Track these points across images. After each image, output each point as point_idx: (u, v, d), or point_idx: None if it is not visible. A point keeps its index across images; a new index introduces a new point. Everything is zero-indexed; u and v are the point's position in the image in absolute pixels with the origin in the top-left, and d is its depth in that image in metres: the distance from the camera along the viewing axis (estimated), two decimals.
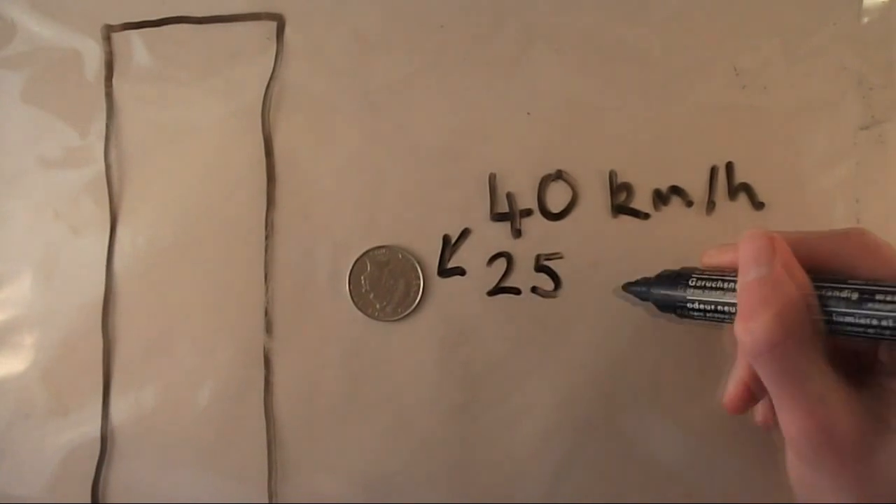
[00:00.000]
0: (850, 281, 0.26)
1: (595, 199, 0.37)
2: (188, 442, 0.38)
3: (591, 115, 0.38)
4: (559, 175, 0.38)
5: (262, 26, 0.39)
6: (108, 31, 0.39)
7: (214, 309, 0.38)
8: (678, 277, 0.33)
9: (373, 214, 0.38)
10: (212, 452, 0.38)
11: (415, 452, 0.38)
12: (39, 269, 0.39)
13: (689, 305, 0.32)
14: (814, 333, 0.25)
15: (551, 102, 0.38)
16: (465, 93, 0.38)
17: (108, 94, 0.39)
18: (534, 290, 0.37)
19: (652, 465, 0.37)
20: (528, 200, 0.38)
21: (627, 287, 0.36)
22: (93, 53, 0.39)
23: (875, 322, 0.25)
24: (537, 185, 0.38)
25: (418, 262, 0.38)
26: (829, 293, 0.26)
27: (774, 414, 0.27)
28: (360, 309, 0.38)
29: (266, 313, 0.38)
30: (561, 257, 0.37)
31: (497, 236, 0.38)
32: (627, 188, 0.37)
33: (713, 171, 0.37)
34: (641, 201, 0.37)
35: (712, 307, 0.31)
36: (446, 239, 0.38)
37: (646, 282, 0.35)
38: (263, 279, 0.38)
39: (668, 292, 0.33)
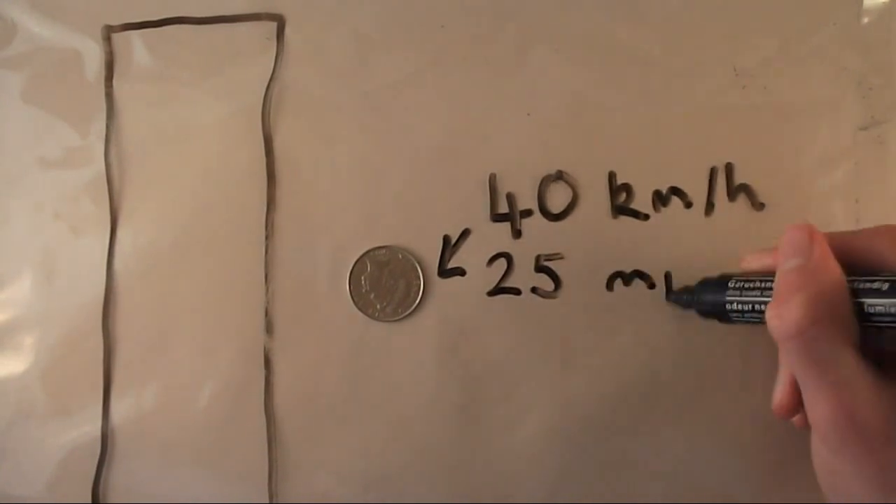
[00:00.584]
0: (881, 273, 0.27)
1: (595, 199, 0.37)
2: (188, 442, 0.38)
3: (591, 116, 0.38)
4: (559, 175, 0.38)
5: (262, 26, 0.39)
6: (109, 32, 0.39)
7: (215, 309, 0.38)
8: (718, 283, 0.33)
9: (373, 214, 0.38)
10: (212, 452, 0.38)
11: (415, 452, 0.38)
12: (39, 269, 0.39)
13: (728, 308, 0.32)
14: (844, 322, 0.26)
15: (551, 103, 0.38)
16: (465, 93, 0.38)
17: (109, 95, 0.39)
18: (534, 290, 0.37)
19: (652, 465, 0.37)
20: (528, 201, 0.38)
21: (670, 297, 0.36)
22: (93, 54, 0.39)
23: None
24: (537, 185, 0.38)
25: (418, 263, 0.38)
26: (861, 285, 0.27)
27: None
28: (360, 309, 0.38)
29: (266, 313, 0.38)
30: (561, 258, 0.37)
31: (497, 237, 0.38)
32: (627, 189, 0.37)
33: (713, 172, 0.37)
34: (641, 202, 0.37)
35: (750, 307, 0.31)
36: (446, 239, 0.38)
37: (687, 290, 0.35)
38: (264, 279, 0.38)
39: (708, 298, 0.34)
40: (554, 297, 0.37)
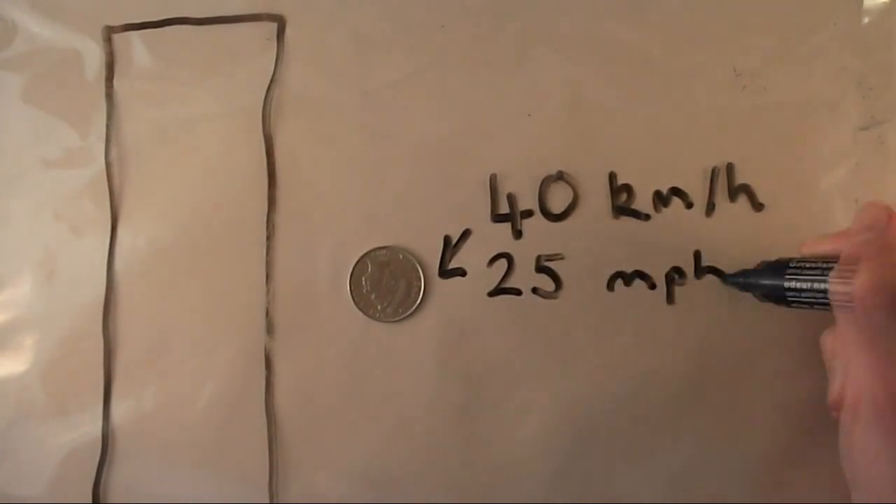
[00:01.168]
0: None
1: (596, 200, 0.37)
2: (189, 442, 0.38)
3: (591, 116, 0.38)
4: (560, 176, 0.38)
5: (262, 27, 0.39)
6: (109, 32, 0.39)
7: (215, 309, 0.38)
8: (777, 265, 0.33)
9: (373, 215, 0.38)
10: (212, 452, 0.38)
11: (415, 452, 0.38)
12: (40, 269, 0.39)
13: (786, 286, 0.32)
14: None
15: (552, 103, 0.38)
16: (465, 93, 0.38)
17: (109, 95, 0.39)
18: (534, 290, 0.37)
19: (652, 465, 0.37)
20: (528, 201, 0.38)
21: (727, 278, 0.36)
22: (93, 54, 0.39)
23: None
24: (538, 185, 0.38)
25: (419, 263, 0.38)
26: None
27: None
28: (360, 309, 0.38)
29: (267, 314, 0.38)
30: (562, 258, 0.37)
31: (498, 237, 0.38)
32: (628, 189, 0.37)
33: (713, 173, 0.37)
34: (642, 202, 0.37)
35: (810, 285, 0.31)
36: (447, 240, 0.38)
37: (745, 273, 0.35)
38: (264, 279, 0.38)
39: (767, 279, 0.34)
40: (554, 298, 0.37)
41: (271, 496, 0.38)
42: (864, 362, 0.27)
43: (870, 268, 0.27)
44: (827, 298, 0.30)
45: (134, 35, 0.39)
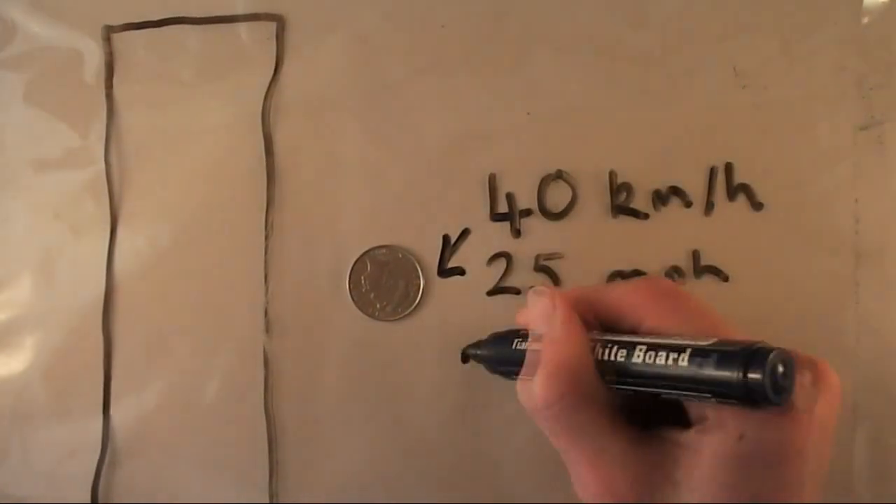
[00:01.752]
0: (621, 337, 0.26)
1: (595, 199, 0.38)
2: (188, 442, 0.38)
3: (591, 115, 0.38)
4: (559, 175, 0.38)
5: (262, 27, 0.39)
6: (109, 32, 0.39)
7: (214, 309, 0.38)
8: (504, 338, 0.32)
9: (373, 214, 0.38)
10: (212, 452, 0.38)
11: (415, 452, 0.38)
12: (40, 269, 0.39)
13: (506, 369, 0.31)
14: (589, 391, 0.25)
15: (551, 102, 0.38)
16: (465, 93, 0.38)
17: (109, 95, 0.39)
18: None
19: None
20: (527, 200, 0.38)
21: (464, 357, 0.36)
22: (93, 54, 0.39)
23: (642, 377, 0.24)
24: (537, 185, 0.38)
25: (418, 262, 0.38)
26: (609, 350, 0.25)
27: None
28: (360, 309, 0.38)
29: (266, 313, 0.38)
30: (561, 257, 0.37)
31: (497, 236, 0.38)
32: (627, 188, 0.37)
33: (712, 172, 0.37)
34: (641, 201, 0.37)
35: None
36: (446, 239, 0.38)
37: (475, 345, 0.34)
38: (263, 279, 0.38)
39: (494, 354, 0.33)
40: None
41: (271, 496, 0.38)
42: (572, 459, 0.26)
43: (546, 376, 0.25)
44: None
45: (134, 35, 0.39)
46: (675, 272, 0.37)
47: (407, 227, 0.38)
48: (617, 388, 0.25)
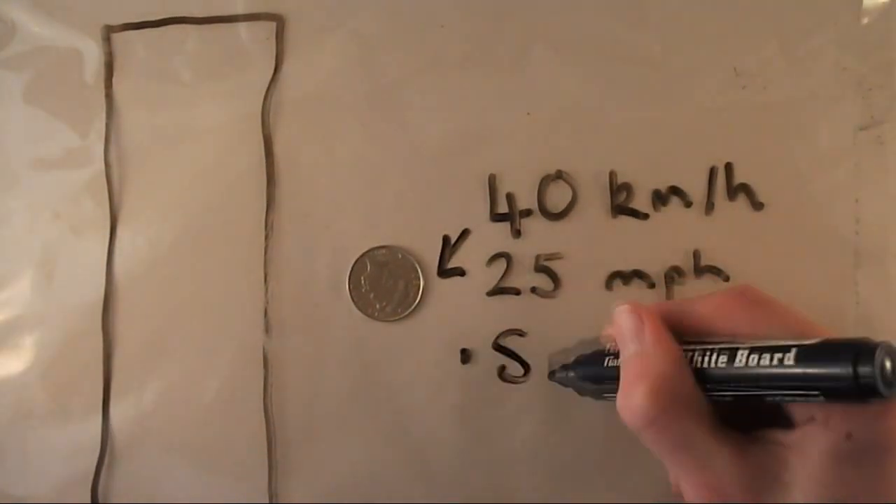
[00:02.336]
0: (719, 343, 0.26)
1: (595, 199, 0.37)
2: (188, 442, 0.38)
3: (591, 116, 0.38)
4: (559, 175, 0.38)
5: (262, 27, 0.39)
6: (108, 32, 0.39)
7: (214, 309, 0.38)
8: (593, 358, 0.32)
9: (373, 214, 0.38)
10: (212, 452, 0.38)
11: (415, 452, 0.38)
12: (39, 269, 0.39)
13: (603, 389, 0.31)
14: (690, 401, 0.25)
15: (551, 102, 0.38)
16: (465, 93, 0.38)
17: (108, 95, 0.39)
18: (533, 290, 0.37)
19: (652, 465, 0.37)
20: (527, 201, 0.38)
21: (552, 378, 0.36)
22: (93, 54, 0.39)
23: (746, 381, 0.24)
24: (537, 185, 0.38)
25: (418, 263, 0.38)
26: (702, 358, 0.26)
27: None
28: (360, 309, 0.38)
29: (266, 314, 0.38)
30: (561, 258, 0.37)
31: (497, 236, 0.38)
32: (627, 188, 0.37)
33: (712, 172, 0.37)
34: (641, 201, 0.37)
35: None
36: (446, 239, 0.38)
37: (565, 367, 0.35)
38: (263, 279, 0.38)
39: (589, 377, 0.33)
40: (553, 297, 0.37)
41: (271, 496, 0.38)
42: (681, 470, 0.26)
43: (646, 391, 0.25)
44: None
45: (133, 34, 0.39)
46: (675, 272, 0.37)
47: (407, 227, 0.38)
48: (716, 397, 0.25)
